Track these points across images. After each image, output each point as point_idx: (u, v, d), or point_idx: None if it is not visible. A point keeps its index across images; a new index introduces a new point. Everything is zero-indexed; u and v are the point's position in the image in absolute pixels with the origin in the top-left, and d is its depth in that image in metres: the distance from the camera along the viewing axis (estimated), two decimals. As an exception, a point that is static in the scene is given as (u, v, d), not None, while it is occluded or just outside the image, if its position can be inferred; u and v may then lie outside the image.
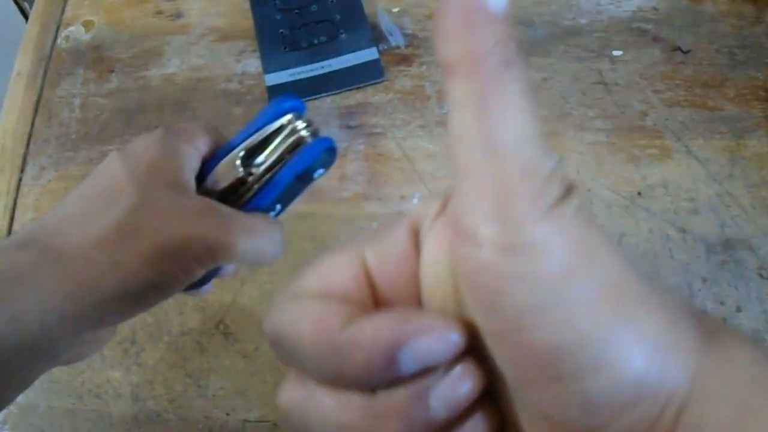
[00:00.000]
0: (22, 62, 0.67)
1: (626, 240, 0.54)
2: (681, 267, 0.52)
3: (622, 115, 0.59)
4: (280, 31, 0.66)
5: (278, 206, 0.37)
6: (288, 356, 0.20)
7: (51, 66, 0.66)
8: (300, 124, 0.36)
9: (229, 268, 0.41)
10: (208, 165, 0.37)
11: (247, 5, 0.68)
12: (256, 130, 0.36)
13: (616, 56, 0.63)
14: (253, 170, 0.36)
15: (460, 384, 0.19)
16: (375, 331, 0.19)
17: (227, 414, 0.49)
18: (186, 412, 0.49)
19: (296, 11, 0.67)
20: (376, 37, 0.65)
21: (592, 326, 0.17)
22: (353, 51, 0.64)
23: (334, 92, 0.62)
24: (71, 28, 0.69)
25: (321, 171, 0.37)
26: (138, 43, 0.67)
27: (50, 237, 0.31)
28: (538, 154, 0.17)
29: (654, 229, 0.54)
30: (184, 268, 0.31)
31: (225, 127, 0.61)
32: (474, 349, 0.20)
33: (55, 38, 0.68)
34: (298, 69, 0.63)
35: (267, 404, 0.49)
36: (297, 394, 0.21)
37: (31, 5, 0.73)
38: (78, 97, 0.64)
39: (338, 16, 0.66)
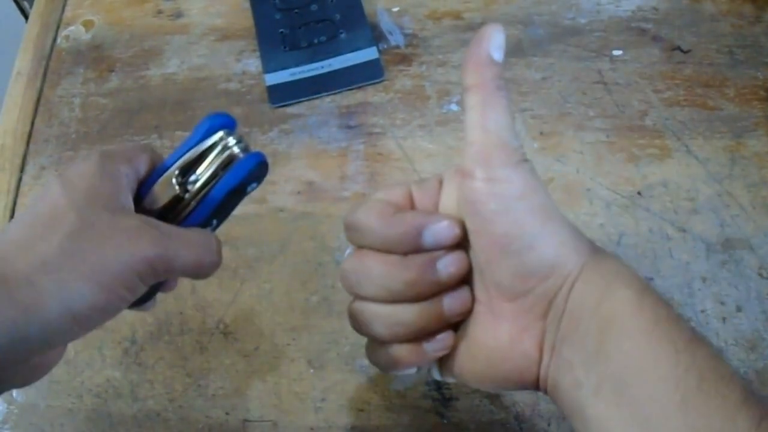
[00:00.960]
0: (22, 62, 0.67)
1: (626, 239, 0.54)
2: (681, 266, 0.52)
3: (621, 115, 0.59)
4: (280, 30, 0.66)
5: (215, 221, 0.38)
6: (357, 233, 0.36)
7: (51, 66, 0.66)
8: (231, 141, 0.37)
9: (171, 283, 0.42)
10: (146, 185, 0.38)
11: (247, 5, 0.68)
12: (190, 149, 0.37)
13: (616, 56, 0.63)
14: (189, 187, 0.37)
15: (455, 259, 0.34)
16: (412, 217, 0.35)
17: (227, 413, 0.49)
18: (186, 412, 0.49)
19: (296, 11, 0.67)
20: (376, 36, 0.65)
21: (530, 224, 0.32)
22: (353, 50, 0.64)
23: (333, 92, 0.62)
24: (71, 28, 0.69)
25: (254, 185, 0.38)
26: (138, 43, 0.67)
27: None
28: (510, 136, 0.33)
29: (654, 228, 0.54)
30: (128, 286, 0.33)
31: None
32: (462, 245, 0.35)
33: (55, 38, 0.68)
34: (298, 68, 0.63)
35: (267, 404, 0.49)
36: (355, 260, 0.36)
37: (31, 5, 0.73)
38: (78, 97, 0.64)
39: (338, 16, 0.66)
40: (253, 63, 0.65)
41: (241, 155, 0.37)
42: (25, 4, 1.10)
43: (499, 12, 0.66)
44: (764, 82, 0.60)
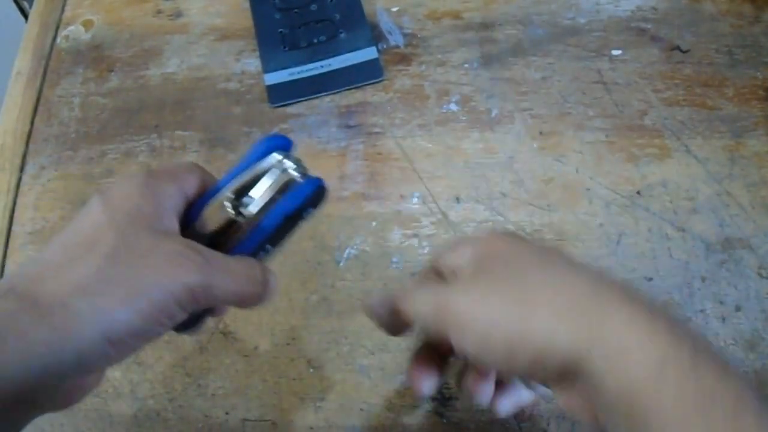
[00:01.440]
0: (22, 62, 0.67)
1: (625, 239, 0.54)
2: (680, 266, 0.52)
3: (621, 115, 0.59)
4: (280, 30, 0.66)
5: (269, 247, 0.37)
6: None
7: (51, 65, 0.66)
8: (289, 164, 0.36)
9: (221, 309, 0.40)
10: (196, 207, 0.36)
11: (246, 5, 0.68)
12: (244, 170, 0.36)
13: (616, 56, 0.63)
14: (243, 211, 0.36)
15: None
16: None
17: (226, 413, 0.49)
18: (185, 411, 0.49)
19: (296, 11, 0.67)
20: (376, 36, 0.65)
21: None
22: (352, 50, 0.64)
23: (333, 91, 0.62)
24: (71, 28, 0.69)
25: (311, 210, 0.37)
26: (138, 43, 0.67)
27: (28, 285, 0.31)
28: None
29: (653, 228, 0.54)
30: (167, 312, 0.32)
31: (224, 126, 0.61)
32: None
33: (55, 38, 0.68)
34: (298, 68, 0.63)
35: (266, 403, 0.50)
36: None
37: (30, 5, 0.73)
38: (78, 97, 0.64)
39: (338, 16, 0.66)
40: (252, 63, 0.65)
41: (300, 179, 0.36)
42: (25, 4, 1.10)
43: (499, 12, 0.66)
44: (763, 82, 0.60)
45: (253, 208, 0.35)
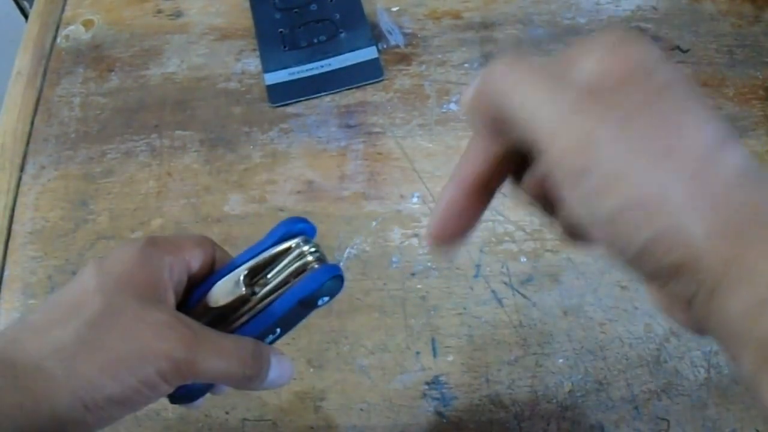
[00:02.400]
0: (22, 61, 0.67)
1: (625, 239, 0.54)
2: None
3: (621, 114, 0.59)
4: (280, 30, 0.66)
5: (278, 330, 0.36)
6: None
7: (51, 65, 0.66)
8: (307, 249, 0.35)
9: (219, 388, 0.38)
10: (208, 281, 0.36)
11: (246, 4, 0.68)
12: (263, 250, 0.36)
13: (616, 55, 0.63)
14: (257, 290, 0.35)
15: None
16: None
17: (226, 413, 0.49)
18: (185, 411, 0.49)
19: (296, 10, 0.67)
20: (376, 36, 0.65)
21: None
22: (352, 50, 0.64)
23: (333, 91, 0.62)
24: (71, 27, 0.69)
25: (326, 299, 0.36)
26: (138, 42, 0.67)
27: (6, 345, 0.30)
28: None
29: (653, 228, 0.54)
30: (147, 383, 0.31)
31: (225, 126, 0.61)
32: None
33: (55, 37, 0.68)
34: (298, 68, 0.63)
35: (266, 403, 0.50)
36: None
37: (30, 4, 0.73)
38: (78, 96, 0.64)
39: (338, 15, 0.66)
40: (252, 62, 0.65)
41: (316, 265, 0.35)
42: (25, 4, 1.10)
43: (499, 11, 0.66)
44: (764, 82, 0.60)
45: (266, 288, 0.35)
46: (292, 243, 0.36)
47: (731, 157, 0.22)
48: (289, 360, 0.36)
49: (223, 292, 0.35)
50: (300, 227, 0.36)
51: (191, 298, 0.36)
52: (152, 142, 0.61)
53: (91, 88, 0.65)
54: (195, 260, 0.36)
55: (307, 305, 0.36)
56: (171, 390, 0.32)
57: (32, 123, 0.63)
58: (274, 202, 0.57)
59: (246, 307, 0.35)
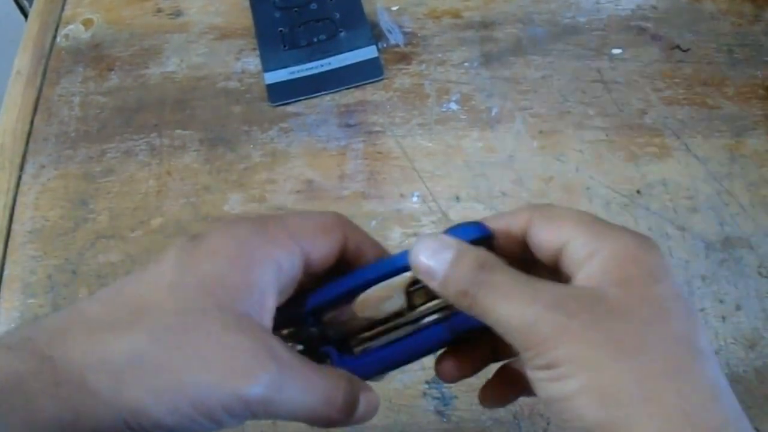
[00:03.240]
0: (22, 61, 0.67)
1: (625, 238, 0.54)
2: (680, 265, 0.52)
3: (621, 114, 0.59)
4: (280, 29, 0.66)
5: (406, 364, 0.29)
6: None
7: (50, 64, 0.66)
8: None
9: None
10: (348, 278, 0.29)
11: (246, 3, 0.68)
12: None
13: (616, 54, 0.63)
14: (417, 303, 0.29)
15: None
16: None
17: (227, 412, 0.49)
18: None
19: (296, 9, 0.67)
20: (376, 35, 0.65)
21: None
22: (352, 49, 0.64)
23: (333, 90, 0.62)
24: (71, 27, 0.69)
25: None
26: (137, 42, 0.67)
27: (49, 340, 0.25)
28: None
29: (653, 227, 0.54)
30: (210, 417, 0.25)
31: (224, 125, 0.61)
32: None
33: (55, 37, 0.68)
34: (298, 67, 0.63)
35: (266, 402, 0.49)
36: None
37: (30, 3, 0.73)
38: (77, 96, 0.64)
39: (337, 15, 0.66)
40: (252, 61, 0.65)
41: None
42: (25, 3, 1.10)
43: (498, 11, 0.66)
44: (764, 81, 0.60)
45: (431, 304, 0.28)
46: None
47: (702, 371, 0.24)
48: (377, 398, 0.30)
49: (372, 300, 0.29)
50: (480, 232, 0.29)
51: (310, 298, 0.29)
52: (152, 142, 0.61)
53: (91, 88, 0.64)
54: (318, 251, 0.28)
55: (452, 341, 0.29)
56: (237, 425, 0.27)
57: (32, 122, 0.63)
58: (274, 202, 0.57)
59: (392, 325, 0.29)
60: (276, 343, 0.27)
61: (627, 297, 0.25)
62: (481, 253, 0.27)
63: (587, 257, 0.26)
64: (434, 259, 0.26)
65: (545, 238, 0.28)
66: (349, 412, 0.28)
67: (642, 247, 0.26)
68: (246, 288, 0.26)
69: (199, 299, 0.26)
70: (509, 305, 0.25)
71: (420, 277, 0.27)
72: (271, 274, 0.27)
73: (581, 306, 0.25)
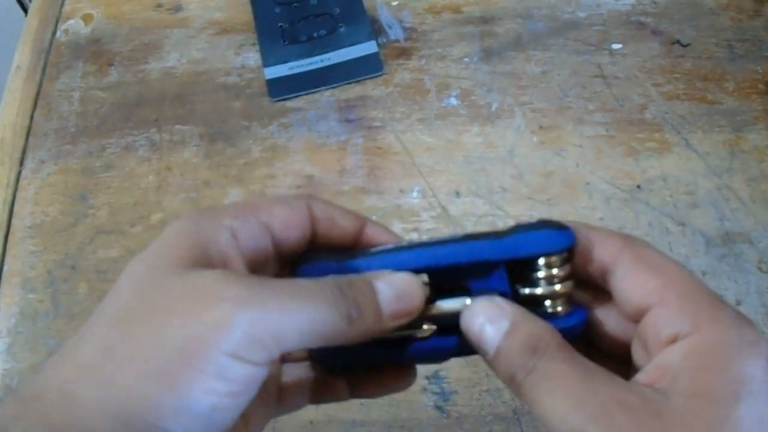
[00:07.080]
0: (22, 56, 0.67)
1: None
2: (680, 260, 0.52)
3: (621, 109, 0.59)
4: (280, 24, 0.66)
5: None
6: None
7: (50, 59, 0.66)
8: (558, 273, 0.27)
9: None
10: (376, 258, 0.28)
11: (246, -1, 0.68)
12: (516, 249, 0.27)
13: (616, 50, 0.63)
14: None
15: None
16: None
17: (227, 407, 0.49)
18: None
19: (295, 4, 0.67)
20: (376, 30, 0.65)
21: None
22: (352, 44, 0.64)
23: (333, 86, 0.62)
24: (71, 22, 0.69)
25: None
26: (137, 37, 0.67)
27: (32, 379, 0.24)
28: None
29: (653, 222, 0.54)
30: (214, 371, 0.23)
31: (224, 120, 0.61)
32: None
33: (55, 32, 0.68)
34: (298, 62, 0.63)
35: (266, 397, 0.50)
36: None
37: (30, -1, 0.73)
38: (77, 91, 0.64)
39: (337, 10, 0.66)
40: (252, 57, 0.65)
41: (559, 307, 0.27)
42: (25, -2, 1.10)
43: (498, 6, 0.66)
44: (764, 76, 0.60)
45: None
46: (541, 262, 0.27)
47: None
48: (403, 275, 0.27)
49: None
50: (564, 244, 0.27)
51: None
52: (152, 137, 0.61)
53: (91, 83, 0.64)
54: (277, 219, 0.28)
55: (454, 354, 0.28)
56: (263, 374, 0.24)
57: (32, 117, 0.63)
58: (274, 197, 0.57)
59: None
60: (247, 273, 0.26)
61: (695, 420, 0.22)
62: (537, 328, 0.25)
63: (668, 339, 0.24)
64: (490, 325, 0.25)
65: (630, 287, 0.25)
66: (354, 299, 0.25)
67: (739, 346, 0.23)
68: (201, 246, 0.25)
69: (154, 269, 0.25)
70: (555, 404, 0.23)
71: (472, 344, 0.26)
72: (224, 237, 0.26)
73: (632, 420, 0.22)
